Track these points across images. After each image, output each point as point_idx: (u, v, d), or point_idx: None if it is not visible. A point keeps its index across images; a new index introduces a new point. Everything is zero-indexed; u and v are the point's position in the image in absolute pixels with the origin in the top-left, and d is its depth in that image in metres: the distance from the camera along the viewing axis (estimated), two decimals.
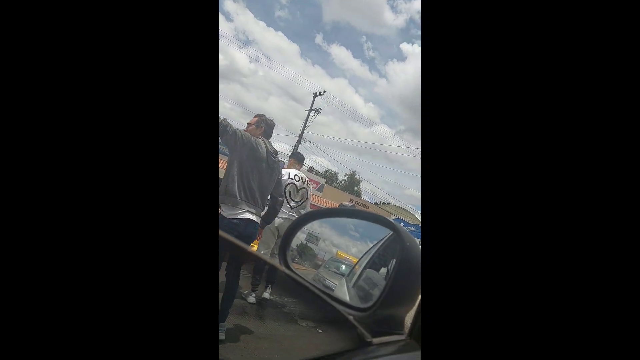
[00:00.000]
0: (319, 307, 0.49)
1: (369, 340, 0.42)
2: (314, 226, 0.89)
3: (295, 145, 16.29)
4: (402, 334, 0.47)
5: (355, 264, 0.74)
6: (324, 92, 17.41)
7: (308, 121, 16.66)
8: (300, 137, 16.49)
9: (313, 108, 16.92)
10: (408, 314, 0.50)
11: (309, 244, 0.89)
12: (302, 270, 0.84)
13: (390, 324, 0.48)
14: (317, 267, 0.88)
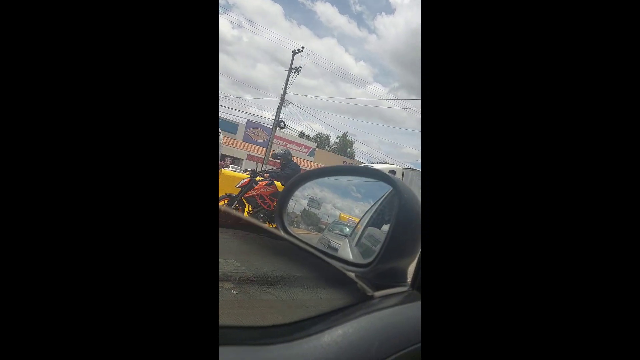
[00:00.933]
0: (321, 267, 0.48)
1: (370, 294, 0.41)
2: (315, 190, 0.88)
3: (277, 109, 16.15)
4: (405, 286, 0.47)
5: (357, 224, 0.73)
6: (303, 48, 16.99)
7: (289, 81, 16.46)
8: (282, 99, 16.31)
9: (293, 67, 16.59)
10: (411, 266, 0.49)
11: (312, 209, 0.88)
12: (307, 235, 0.84)
13: (393, 277, 0.48)
14: (321, 231, 0.88)
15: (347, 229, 0.84)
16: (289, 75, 16.40)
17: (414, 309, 0.42)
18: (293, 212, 0.89)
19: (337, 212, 0.87)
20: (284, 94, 16.23)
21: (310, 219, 0.87)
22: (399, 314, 0.41)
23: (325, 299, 0.45)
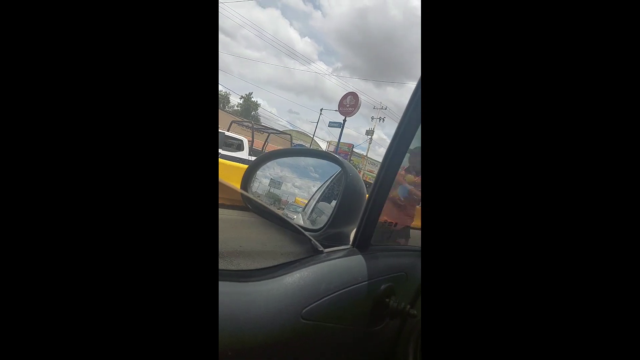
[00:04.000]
0: (284, 232, 0.60)
1: (320, 249, 0.54)
2: (276, 170, 0.99)
3: None
4: (347, 245, 0.60)
5: (310, 199, 0.85)
6: None
7: None
8: None
9: None
10: (353, 231, 0.63)
11: (273, 190, 0.99)
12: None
13: (338, 239, 0.61)
14: (282, 209, 1.00)
15: (300, 209, 0.97)
16: None
17: (352, 261, 0.56)
18: (256, 192, 0.99)
19: (296, 191, 0.98)
20: None
21: (272, 198, 0.98)
22: (341, 264, 0.54)
23: (287, 253, 0.57)
